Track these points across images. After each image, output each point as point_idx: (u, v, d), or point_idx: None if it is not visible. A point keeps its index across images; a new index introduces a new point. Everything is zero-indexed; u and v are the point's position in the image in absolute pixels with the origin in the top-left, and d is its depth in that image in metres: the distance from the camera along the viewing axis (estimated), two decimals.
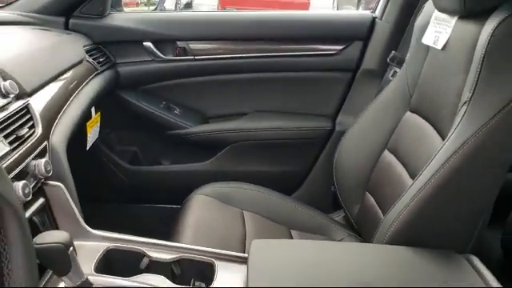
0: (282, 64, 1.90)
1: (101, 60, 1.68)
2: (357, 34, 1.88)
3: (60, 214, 1.08)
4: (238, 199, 1.51)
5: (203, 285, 1.02)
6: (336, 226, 1.49)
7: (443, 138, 1.08)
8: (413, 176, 1.14)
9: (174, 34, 1.86)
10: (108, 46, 1.81)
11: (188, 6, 12.41)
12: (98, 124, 1.66)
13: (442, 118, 1.13)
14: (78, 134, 1.32)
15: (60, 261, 0.77)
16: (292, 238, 1.40)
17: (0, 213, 0.60)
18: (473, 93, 1.00)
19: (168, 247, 1.06)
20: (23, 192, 0.87)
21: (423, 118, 1.24)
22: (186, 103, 1.95)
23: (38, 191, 1.03)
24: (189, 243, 1.15)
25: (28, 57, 1.27)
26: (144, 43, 1.84)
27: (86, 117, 1.45)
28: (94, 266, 0.97)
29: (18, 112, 1.01)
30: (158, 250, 1.05)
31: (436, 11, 1.22)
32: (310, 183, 1.96)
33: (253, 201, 1.52)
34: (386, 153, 1.36)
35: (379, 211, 1.28)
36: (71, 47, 1.59)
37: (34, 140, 1.01)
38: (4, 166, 0.86)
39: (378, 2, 1.91)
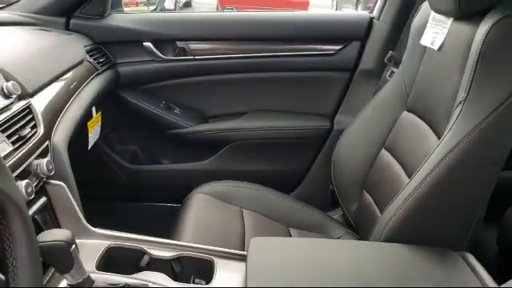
0: (280, 64, 1.90)
1: (101, 60, 1.69)
2: (355, 34, 1.88)
3: (62, 212, 1.08)
4: (238, 198, 1.52)
5: (203, 282, 1.02)
6: (334, 224, 1.50)
7: (439, 137, 1.09)
8: (409, 174, 1.15)
9: (173, 34, 1.86)
10: (108, 46, 1.81)
11: (187, 5, 12.38)
12: (99, 124, 1.67)
13: (438, 117, 1.14)
14: (79, 133, 1.33)
15: (62, 258, 0.78)
16: (291, 236, 1.41)
17: (5, 211, 0.61)
18: (467, 93, 1.01)
19: (168, 245, 1.07)
20: (26, 191, 0.88)
21: (419, 117, 1.25)
22: (186, 103, 1.95)
23: (40, 190, 1.04)
24: (189, 241, 1.15)
25: (30, 57, 1.28)
26: (144, 43, 1.84)
27: (86, 117, 1.46)
28: (96, 263, 0.98)
29: (20, 112, 1.02)
30: (159, 248, 1.06)
31: (433, 12, 1.23)
32: (309, 182, 1.96)
33: (252, 199, 1.52)
34: (384, 152, 1.37)
35: (376, 209, 1.29)
36: (72, 47, 1.59)
37: (36, 140, 1.02)
38: (7, 165, 0.88)
39: (376, 3, 1.92)
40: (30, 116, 1.06)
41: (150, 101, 1.90)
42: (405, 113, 1.34)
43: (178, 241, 1.17)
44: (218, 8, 10.58)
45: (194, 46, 1.87)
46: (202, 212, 1.44)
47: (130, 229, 1.11)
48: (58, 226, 1.08)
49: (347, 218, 1.48)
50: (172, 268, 1.04)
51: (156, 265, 1.04)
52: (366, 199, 1.37)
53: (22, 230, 0.62)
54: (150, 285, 0.94)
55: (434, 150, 1.04)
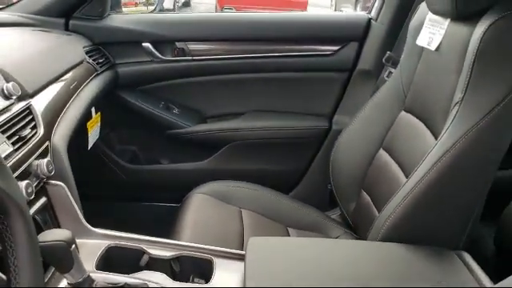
0: (279, 64, 1.91)
1: (100, 61, 1.69)
2: (353, 34, 1.89)
3: (62, 212, 1.09)
4: (236, 197, 1.52)
5: (202, 281, 1.03)
6: (332, 224, 1.50)
7: (436, 137, 1.10)
8: (407, 174, 1.16)
9: (172, 34, 1.87)
10: (107, 47, 1.81)
11: (186, 4, 12.38)
12: (99, 124, 1.67)
13: (435, 117, 1.15)
14: (78, 133, 1.34)
15: (63, 258, 0.78)
16: (289, 236, 1.41)
17: (7, 211, 0.62)
18: (464, 94, 1.02)
19: (167, 245, 1.08)
20: (26, 191, 0.88)
21: (417, 117, 1.26)
22: (185, 103, 1.96)
23: (40, 190, 1.04)
24: (188, 241, 1.16)
25: (30, 58, 1.29)
26: (143, 44, 1.84)
27: (86, 117, 1.46)
28: (96, 263, 0.99)
29: (20, 113, 1.02)
30: (158, 248, 1.06)
31: (430, 13, 1.23)
32: (307, 181, 1.97)
33: (250, 199, 1.53)
34: (382, 151, 1.38)
35: (374, 209, 1.30)
36: (71, 48, 1.60)
37: (36, 140, 1.03)
38: (8, 166, 0.88)
39: (374, 4, 1.92)
40: (30, 117, 1.06)
41: (149, 101, 1.91)
42: (402, 113, 1.34)
43: (178, 240, 1.17)
44: (216, 8, 10.58)
45: (192, 46, 1.88)
46: (201, 212, 1.44)
47: (129, 228, 1.11)
48: (58, 226, 1.08)
49: (345, 218, 1.49)
50: (171, 267, 1.05)
51: (155, 264, 1.04)
52: (364, 199, 1.38)
53: (23, 230, 0.63)
54: (150, 284, 0.95)
55: (431, 149, 1.05)
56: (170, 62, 1.88)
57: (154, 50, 1.85)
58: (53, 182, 1.07)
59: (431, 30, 1.22)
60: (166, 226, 1.43)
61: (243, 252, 1.04)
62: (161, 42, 1.87)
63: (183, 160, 1.97)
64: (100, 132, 1.72)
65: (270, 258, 1.02)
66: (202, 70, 1.91)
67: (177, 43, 1.87)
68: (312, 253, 1.05)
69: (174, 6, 9.56)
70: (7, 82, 1.03)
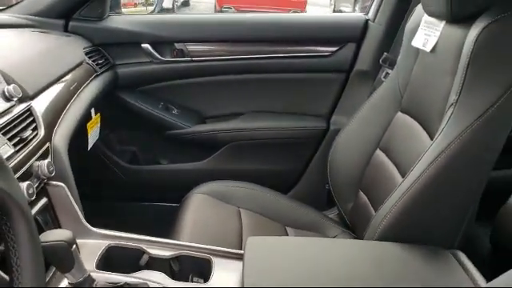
0: (277, 65, 1.92)
1: (100, 62, 1.70)
2: (350, 35, 1.90)
3: (62, 213, 1.09)
4: (235, 197, 1.53)
5: (201, 280, 1.03)
6: (330, 223, 1.51)
7: (432, 138, 1.11)
8: (403, 174, 1.17)
9: (171, 35, 1.88)
10: (107, 48, 1.82)
11: (185, 4, 12.37)
12: (98, 125, 1.68)
13: (431, 118, 1.16)
14: (78, 134, 1.34)
15: (64, 258, 0.79)
16: (287, 235, 1.42)
17: (9, 212, 0.63)
18: (458, 95, 1.03)
19: (167, 244, 1.08)
20: (27, 192, 0.89)
21: (413, 118, 1.27)
22: (184, 104, 1.96)
23: (41, 191, 1.05)
24: (187, 240, 1.17)
25: (30, 60, 1.30)
26: (142, 45, 1.85)
27: (86, 118, 1.47)
28: (96, 262, 1.00)
29: (21, 115, 1.03)
30: (158, 247, 1.07)
31: (425, 15, 1.24)
32: (305, 181, 1.98)
33: (249, 199, 1.54)
34: (379, 152, 1.39)
35: (371, 208, 1.31)
36: (71, 50, 1.60)
37: (36, 142, 1.03)
38: (9, 167, 0.89)
39: (371, 5, 1.93)
40: (31, 118, 1.07)
41: (149, 102, 1.91)
42: (399, 113, 1.35)
43: (177, 240, 1.18)
44: (215, 7, 10.58)
45: (191, 47, 1.88)
46: (200, 211, 1.45)
47: (129, 228, 1.12)
48: (59, 226, 1.09)
49: (343, 217, 1.50)
50: (171, 267, 1.06)
51: (155, 264, 1.05)
52: (362, 198, 1.39)
53: (25, 231, 0.64)
54: (150, 283, 0.95)
55: (427, 150, 1.06)
56: (169, 63, 1.89)
57: (153, 50, 1.86)
58: (53, 182, 1.08)
59: (427, 32, 1.23)
60: (165, 226, 1.43)
61: (242, 251, 1.05)
62: (160, 43, 1.88)
63: (182, 160, 1.97)
64: (100, 133, 1.72)
65: (268, 258, 1.03)
66: (201, 70, 1.91)
67: (176, 44, 1.88)
68: (309, 252, 1.06)
69: (173, 5, 9.56)
70: (8, 84, 1.04)
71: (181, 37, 1.88)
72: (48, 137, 1.11)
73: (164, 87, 1.93)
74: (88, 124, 1.56)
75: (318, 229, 1.49)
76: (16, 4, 1.72)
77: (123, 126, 1.99)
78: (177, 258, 1.06)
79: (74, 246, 0.80)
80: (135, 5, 2.34)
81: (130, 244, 1.07)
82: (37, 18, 1.69)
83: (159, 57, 1.87)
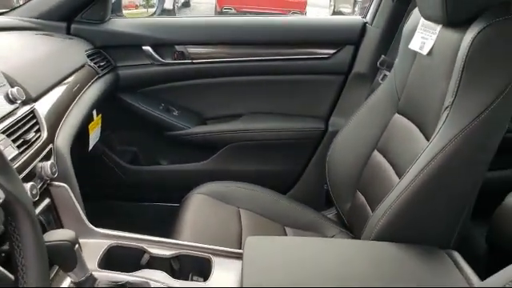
0: (276, 67, 1.93)
1: (102, 64, 1.71)
2: (348, 38, 1.91)
3: (65, 213, 1.10)
4: (235, 198, 1.54)
5: (201, 279, 1.04)
6: (328, 223, 1.52)
7: (428, 140, 1.12)
8: (400, 175, 1.19)
9: (172, 38, 1.89)
10: (109, 50, 1.83)
11: (186, 4, 12.37)
12: (99, 126, 1.69)
13: (427, 120, 1.18)
14: (80, 135, 1.35)
15: (67, 257, 0.80)
16: (286, 235, 1.43)
17: (14, 213, 0.64)
18: (454, 98, 1.05)
19: (167, 244, 1.09)
20: (31, 193, 0.90)
21: (410, 120, 1.29)
22: (184, 105, 1.97)
23: (44, 192, 1.06)
24: (187, 240, 1.18)
25: (33, 63, 1.31)
26: (143, 47, 1.86)
27: (88, 119, 1.48)
28: (98, 262, 1.01)
29: (24, 117, 1.04)
30: (158, 247, 1.08)
31: (422, 18, 1.26)
32: (304, 182, 1.99)
33: (249, 199, 1.55)
34: (376, 153, 1.40)
35: (369, 209, 1.32)
36: (73, 52, 1.62)
37: (40, 143, 1.05)
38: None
39: (369, 8, 1.94)
40: (34, 120, 1.08)
41: (150, 103, 1.92)
42: (396, 115, 1.37)
43: (177, 240, 1.19)
44: (216, 8, 10.57)
45: (192, 49, 1.90)
46: (200, 212, 1.46)
47: (130, 228, 1.13)
48: (61, 226, 1.10)
49: (341, 217, 1.51)
50: (171, 266, 1.07)
51: (156, 263, 1.06)
52: (359, 199, 1.40)
53: (30, 231, 0.65)
54: (151, 282, 0.96)
55: (423, 151, 1.08)
56: (169, 65, 1.90)
57: (154, 53, 1.87)
58: (56, 183, 1.09)
59: (423, 35, 1.24)
60: (165, 226, 1.44)
61: (241, 251, 1.07)
62: (161, 46, 1.89)
63: (183, 161, 1.98)
64: (101, 133, 1.73)
65: (267, 257, 1.04)
66: (201, 72, 1.93)
67: (176, 46, 1.89)
68: (307, 252, 1.08)
69: (173, 6, 9.56)
70: (12, 86, 1.05)
71: (181, 39, 1.90)
72: (51, 138, 1.12)
73: (165, 89, 1.95)
74: (89, 125, 1.57)
75: (316, 229, 1.50)
76: (19, 7, 1.73)
77: (124, 127, 2.00)
78: (177, 258, 1.07)
79: (77, 245, 0.81)
80: (136, 6, 2.34)
81: (131, 243, 1.08)
82: (39, 20, 1.70)
83: (160, 59, 1.88)
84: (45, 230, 0.87)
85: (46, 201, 1.07)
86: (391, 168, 1.29)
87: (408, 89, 1.32)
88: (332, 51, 1.91)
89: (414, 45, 1.28)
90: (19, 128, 1.01)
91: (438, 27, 1.19)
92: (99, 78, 1.64)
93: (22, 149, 0.98)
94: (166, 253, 1.07)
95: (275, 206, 1.55)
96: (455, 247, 1.11)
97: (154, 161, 2.04)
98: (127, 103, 1.90)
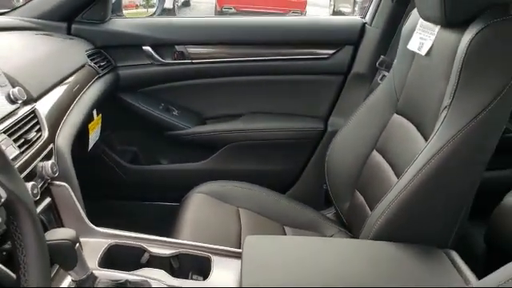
0: (276, 67, 1.93)
1: (102, 64, 1.72)
2: (348, 39, 1.92)
3: (65, 212, 1.11)
4: (234, 197, 1.55)
5: (200, 278, 1.05)
6: (327, 223, 1.53)
7: (426, 140, 1.13)
8: (398, 175, 1.19)
9: (172, 38, 1.89)
10: (109, 50, 1.84)
11: (186, 4, 12.37)
12: (99, 125, 1.70)
13: (426, 120, 1.18)
14: (80, 135, 1.36)
15: (67, 256, 0.81)
16: (285, 234, 1.44)
17: (16, 212, 0.65)
18: (452, 99, 1.05)
19: (167, 243, 1.10)
20: (32, 192, 0.89)
21: (408, 120, 1.29)
22: (184, 105, 1.98)
23: (45, 191, 1.06)
24: (187, 239, 1.19)
25: (34, 63, 1.31)
26: (143, 47, 1.87)
27: (88, 119, 1.49)
28: (98, 260, 1.02)
29: (26, 117, 1.05)
30: (158, 246, 1.09)
31: (421, 19, 1.26)
32: (303, 181, 2.00)
33: (248, 199, 1.55)
34: (375, 153, 1.41)
35: (367, 208, 1.33)
36: (74, 52, 1.62)
37: (41, 143, 1.05)
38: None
39: (368, 8, 1.95)
40: (35, 120, 1.09)
41: (150, 103, 1.93)
42: (395, 115, 1.37)
43: (177, 239, 1.20)
44: (216, 7, 10.57)
45: (192, 49, 1.90)
46: (200, 211, 1.47)
47: (130, 227, 1.14)
48: (62, 225, 1.11)
49: (340, 217, 1.52)
50: (171, 265, 1.08)
51: (156, 262, 1.07)
52: (358, 198, 1.41)
53: (32, 230, 0.66)
54: (150, 281, 0.97)
55: (421, 151, 1.09)
56: (169, 65, 1.91)
57: (154, 53, 1.88)
58: (57, 182, 1.10)
59: (422, 36, 1.25)
60: (165, 225, 1.45)
61: (240, 250, 1.07)
62: (161, 46, 1.89)
63: (183, 160, 1.99)
64: (101, 133, 1.74)
65: (266, 256, 1.05)
66: (200, 72, 1.93)
67: (176, 47, 1.89)
68: (306, 251, 1.09)
69: (173, 5, 9.56)
70: (13, 86, 1.06)
71: (181, 39, 1.90)
72: (52, 138, 1.13)
73: (165, 89, 1.95)
74: (89, 125, 1.57)
75: (315, 228, 1.51)
76: (20, 7, 1.73)
77: (124, 127, 2.01)
78: (177, 256, 1.08)
79: (78, 244, 0.82)
80: (136, 6, 2.35)
81: (132, 242, 1.09)
82: (40, 20, 1.70)
83: (160, 59, 1.89)
84: (46, 229, 0.87)
85: (47, 200, 1.07)
86: (390, 168, 1.30)
87: (407, 89, 1.33)
88: (331, 51, 1.92)
89: (413, 45, 1.28)
90: (20, 128, 1.01)
91: (437, 28, 1.19)
92: (99, 77, 1.64)
93: (23, 148, 0.98)
94: (166, 252, 1.08)
95: (274, 206, 1.56)
96: (453, 247, 1.12)
97: (154, 160, 2.04)
98: (127, 103, 1.91)
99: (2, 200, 0.62)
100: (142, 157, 2.05)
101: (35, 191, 0.92)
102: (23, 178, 0.93)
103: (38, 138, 1.06)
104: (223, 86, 1.97)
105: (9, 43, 1.41)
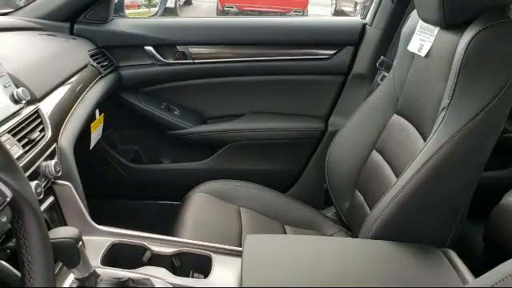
0: (277, 67, 1.94)
1: (104, 64, 1.72)
2: (348, 39, 1.92)
3: (68, 211, 1.12)
4: (235, 196, 1.56)
5: (201, 276, 1.06)
6: (328, 222, 1.54)
7: (425, 140, 1.14)
8: (397, 175, 1.20)
9: (173, 38, 1.90)
10: (111, 50, 1.84)
11: (188, 3, 12.37)
12: (101, 125, 1.71)
13: (424, 121, 1.19)
14: (82, 134, 1.36)
15: (70, 254, 0.82)
16: (286, 233, 1.45)
17: (21, 211, 0.66)
18: (450, 100, 1.06)
19: (169, 241, 1.11)
20: (36, 191, 0.92)
21: (408, 120, 1.30)
22: (186, 105, 1.99)
23: (48, 190, 1.07)
24: (188, 238, 1.20)
25: (38, 63, 1.32)
26: (145, 47, 1.88)
27: (90, 119, 1.49)
28: (101, 259, 1.03)
29: (29, 117, 1.06)
30: (160, 244, 1.10)
31: (421, 20, 1.27)
32: (304, 181, 2.00)
33: (249, 198, 1.56)
34: (374, 152, 1.42)
35: (367, 207, 1.34)
36: (77, 52, 1.63)
37: (44, 143, 1.06)
38: None
39: (369, 9, 1.96)
40: (39, 120, 1.10)
41: (151, 103, 1.94)
42: (395, 116, 1.38)
43: (178, 237, 1.21)
44: (218, 6, 10.57)
45: (193, 50, 1.91)
46: (201, 210, 1.48)
47: (131, 226, 1.15)
48: (65, 224, 1.12)
49: (340, 216, 1.53)
50: (172, 263, 1.08)
51: (157, 260, 1.07)
52: (358, 198, 1.42)
53: (36, 229, 0.67)
54: (152, 279, 0.98)
55: (420, 152, 1.10)
56: (171, 65, 1.91)
57: (156, 53, 1.89)
58: (60, 182, 1.11)
59: (422, 37, 1.26)
60: (167, 224, 1.46)
61: (240, 249, 1.08)
62: (162, 46, 1.90)
63: (184, 160, 2.00)
64: (103, 132, 1.75)
65: (266, 255, 1.06)
66: (202, 72, 1.94)
67: (178, 47, 1.90)
68: (306, 250, 1.10)
69: (175, 4, 9.55)
70: (17, 87, 1.07)
71: (183, 40, 1.91)
72: (55, 138, 1.14)
73: (166, 88, 1.96)
74: (92, 124, 1.58)
75: (315, 227, 1.52)
76: (23, 7, 1.74)
77: (126, 126, 2.02)
78: (178, 255, 1.09)
79: (80, 242, 0.83)
80: (138, 6, 2.36)
81: (133, 241, 1.10)
82: (43, 21, 1.71)
83: (162, 59, 1.90)
84: (49, 228, 0.88)
85: (50, 199, 1.08)
86: (389, 168, 1.31)
87: (406, 90, 1.34)
88: (332, 52, 1.92)
89: (413, 47, 1.29)
90: (24, 128, 1.02)
91: (436, 29, 1.20)
92: (102, 77, 1.65)
93: (26, 148, 0.99)
94: (168, 250, 1.09)
95: (275, 205, 1.57)
96: (452, 246, 1.13)
97: (155, 159, 2.05)
98: (129, 102, 1.92)
99: (8, 199, 0.64)
100: (144, 156, 2.06)
101: (39, 190, 0.94)
102: (27, 177, 0.94)
103: (41, 138, 1.07)
104: (224, 85, 1.97)
105: (12, 43, 1.42)
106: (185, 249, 1.10)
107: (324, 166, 1.59)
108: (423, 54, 1.23)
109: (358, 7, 8.87)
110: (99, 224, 1.13)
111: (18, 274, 0.76)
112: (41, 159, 1.04)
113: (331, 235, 1.48)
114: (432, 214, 1.12)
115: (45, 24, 1.71)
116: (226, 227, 1.42)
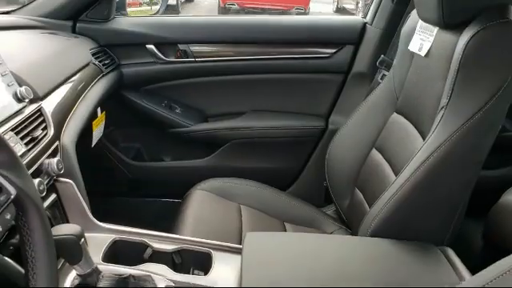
0: (278, 66, 1.95)
1: (106, 62, 1.73)
2: (348, 38, 1.93)
3: (70, 208, 1.13)
4: (236, 194, 1.57)
5: (201, 273, 1.07)
6: (327, 220, 1.55)
7: (424, 139, 1.15)
8: (397, 173, 1.21)
9: (175, 37, 1.91)
10: (113, 49, 1.85)
11: (189, 0, 12.35)
12: (103, 123, 1.71)
13: (424, 120, 1.20)
14: (84, 132, 1.37)
15: (72, 251, 0.83)
16: (286, 231, 1.46)
17: (25, 208, 0.68)
18: (449, 99, 1.07)
19: (169, 239, 1.12)
20: (38, 189, 0.93)
21: (407, 119, 1.31)
22: (187, 103, 2.00)
23: (51, 187, 1.08)
24: (189, 235, 1.21)
25: (40, 62, 1.33)
26: (147, 46, 1.88)
27: (92, 117, 1.50)
28: (102, 255, 1.04)
29: (32, 115, 1.07)
30: (161, 241, 1.11)
31: (421, 20, 1.28)
32: (304, 179, 2.01)
33: (249, 196, 1.57)
34: (374, 151, 1.43)
35: (367, 205, 1.35)
36: (79, 50, 1.64)
37: (47, 141, 1.07)
38: None
39: (369, 9, 1.96)
40: (41, 118, 1.11)
41: (153, 101, 1.94)
42: (394, 114, 1.39)
43: (179, 235, 1.21)
44: (219, 4, 10.56)
45: (194, 48, 1.91)
46: (202, 207, 1.49)
47: (133, 223, 1.16)
48: (67, 221, 1.13)
49: (340, 214, 1.53)
50: (173, 260, 1.10)
51: (158, 257, 1.08)
52: (357, 196, 1.43)
53: (39, 226, 0.68)
54: (153, 275, 0.99)
55: (419, 150, 1.11)
56: (172, 64, 1.92)
57: (157, 51, 1.89)
58: (62, 179, 1.12)
59: (421, 37, 1.26)
60: (168, 221, 1.47)
61: (240, 246, 1.09)
62: (164, 44, 1.91)
63: (185, 157, 2.01)
64: (105, 130, 1.75)
65: (266, 252, 1.07)
66: (203, 71, 1.94)
67: (179, 45, 1.91)
68: (306, 247, 1.11)
69: (177, 2, 9.55)
70: (20, 85, 1.08)
71: (184, 38, 1.91)
72: (57, 136, 1.15)
73: (168, 87, 1.96)
74: (93, 122, 1.59)
75: (315, 225, 1.53)
76: (25, 5, 1.74)
77: (128, 124, 2.02)
78: (179, 252, 1.10)
79: (83, 239, 0.84)
80: (140, 4, 2.36)
81: (135, 238, 1.11)
82: (46, 19, 1.71)
83: (163, 57, 1.90)
84: (51, 225, 0.90)
85: (53, 196, 1.09)
86: (389, 166, 1.32)
87: (406, 89, 1.35)
88: (332, 50, 1.93)
89: (413, 46, 1.30)
90: (27, 126, 1.03)
91: (435, 29, 1.21)
92: (104, 75, 1.66)
93: (29, 146, 1.00)
94: (168, 247, 1.10)
95: (275, 203, 1.58)
96: (451, 244, 1.14)
97: (156, 157, 2.06)
98: (131, 100, 1.92)
99: (12, 197, 0.65)
100: (145, 154, 2.07)
101: (41, 188, 0.95)
102: (30, 174, 0.96)
103: (44, 136, 1.08)
104: (225, 84, 1.98)
105: (15, 42, 1.43)
106: (185, 246, 1.11)
107: (324, 164, 1.60)
108: (423, 53, 1.24)
109: (359, 5, 8.87)
110: (101, 221, 1.14)
111: (22, 270, 0.77)
112: (43, 157, 1.05)
113: (331, 233, 1.49)
114: (430, 212, 1.13)
115: (47, 22, 1.71)
116: (226, 225, 1.42)
